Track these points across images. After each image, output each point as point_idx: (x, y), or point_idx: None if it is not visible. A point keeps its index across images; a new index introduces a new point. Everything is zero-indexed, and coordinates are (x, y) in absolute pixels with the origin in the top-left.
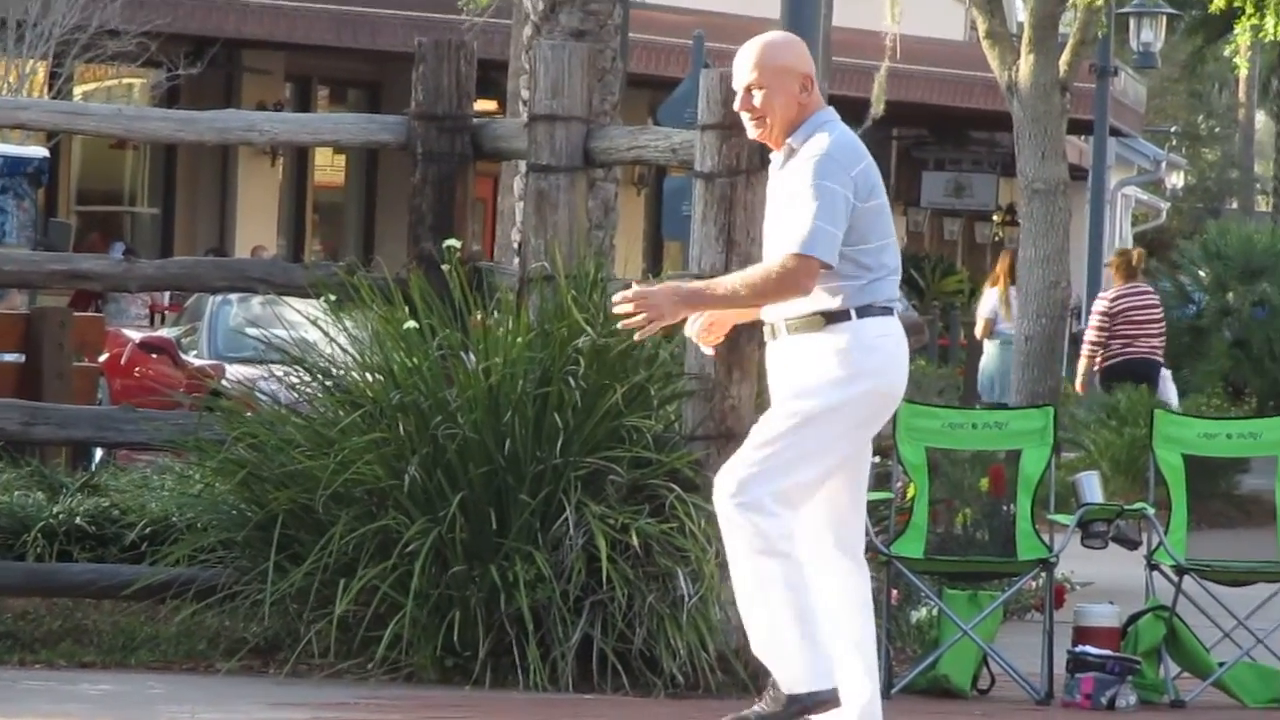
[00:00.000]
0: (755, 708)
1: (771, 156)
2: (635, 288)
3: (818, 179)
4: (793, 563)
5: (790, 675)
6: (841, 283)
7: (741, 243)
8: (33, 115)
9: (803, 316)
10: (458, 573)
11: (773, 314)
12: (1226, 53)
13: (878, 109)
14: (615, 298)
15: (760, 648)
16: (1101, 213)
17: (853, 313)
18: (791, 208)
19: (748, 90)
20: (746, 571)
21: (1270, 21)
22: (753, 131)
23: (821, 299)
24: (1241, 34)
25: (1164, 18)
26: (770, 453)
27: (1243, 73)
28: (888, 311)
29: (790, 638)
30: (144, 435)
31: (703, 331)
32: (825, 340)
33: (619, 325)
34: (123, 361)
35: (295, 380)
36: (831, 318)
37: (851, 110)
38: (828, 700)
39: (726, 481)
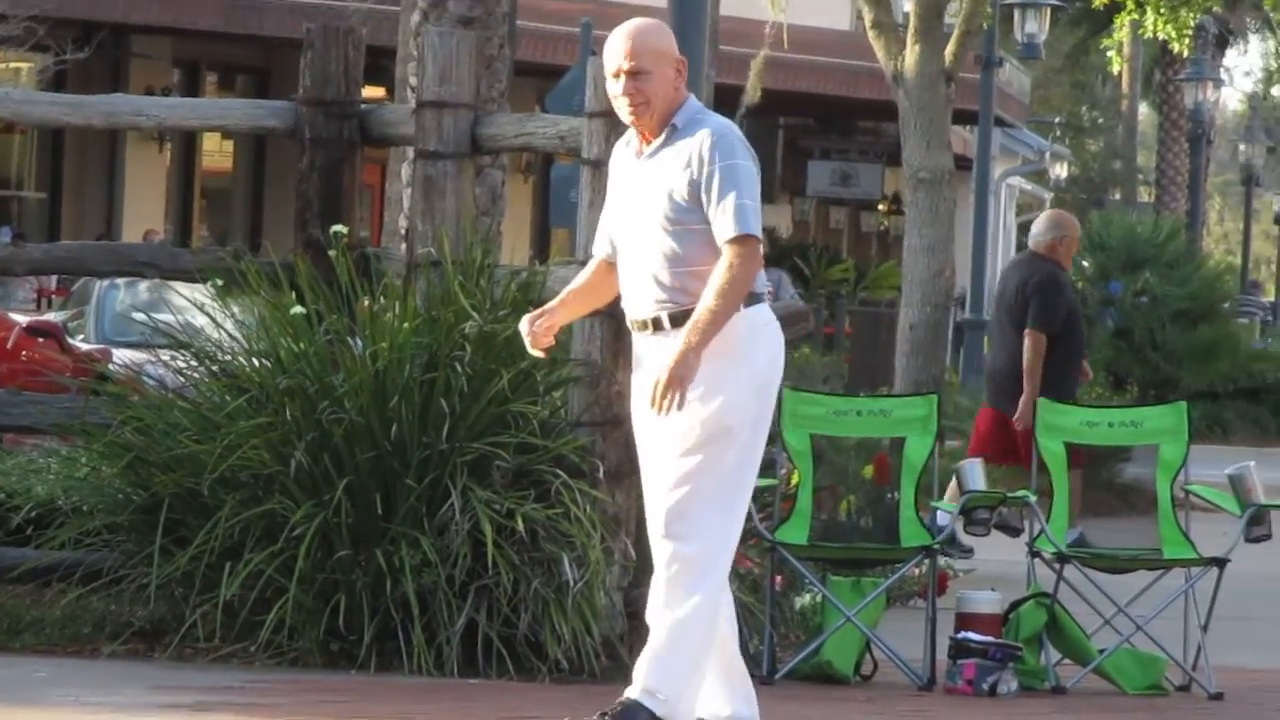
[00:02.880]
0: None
1: (628, 144)
2: (658, 384)
3: (726, 159)
4: (728, 594)
5: (685, 709)
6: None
7: None
8: None
9: (685, 308)
10: (343, 557)
11: (647, 307)
12: (1104, 47)
13: (754, 96)
14: (658, 399)
15: (678, 679)
16: (986, 203)
17: (740, 302)
18: (678, 190)
19: (631, 74)
20: (695, 603)
21: (1151, 16)
22: (628, 116)
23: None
24: (1120, 29)
25: (1048, 9)
26: (726, 491)
27: (1117, 67)
28: (763, 298)
29: (699, 676)
30: (30, 419)
31: (534, 326)
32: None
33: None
34: (9, 345)
35: (182, 365)
36: None
37: (738, 98)
38: None
39: (684, 527)
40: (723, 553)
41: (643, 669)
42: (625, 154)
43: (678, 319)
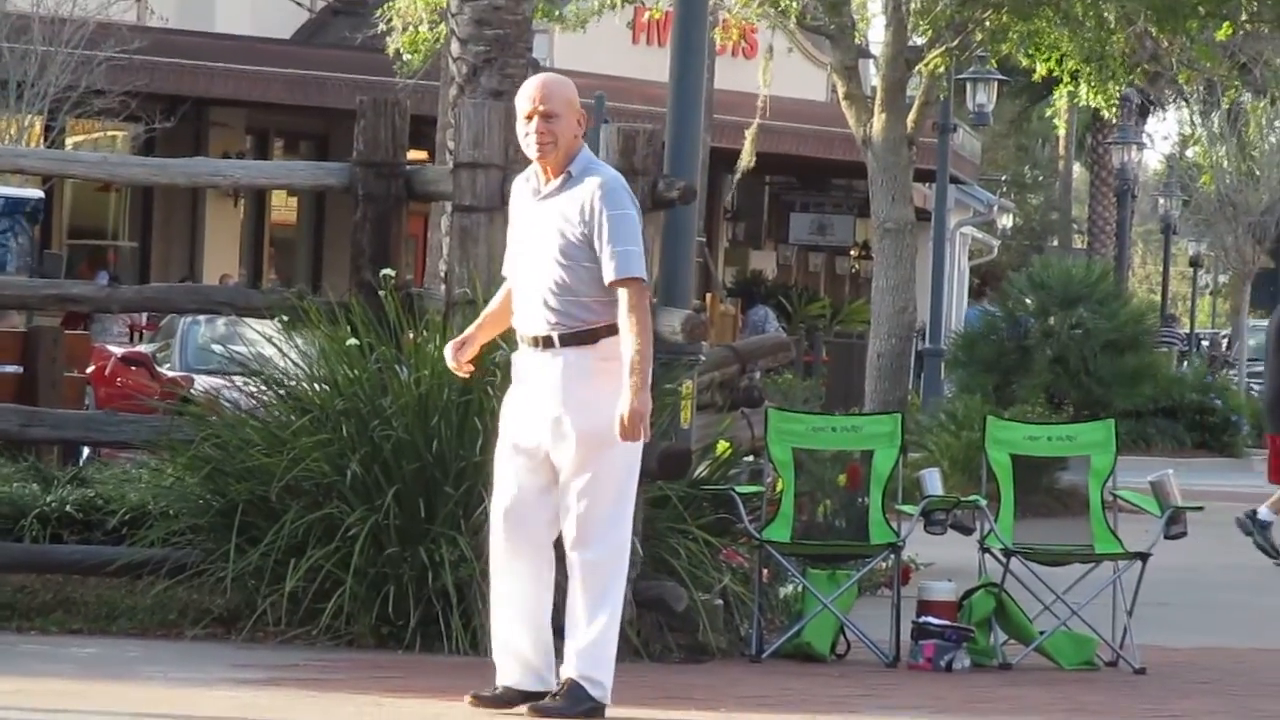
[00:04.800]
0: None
1: (528, 180)
2: (623, 420)
3: (616, 208)
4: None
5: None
6: (606, 299)
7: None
8: (30, 162)
9: (572, 330)
10: (392, 554)
11: (539, 326)
12: (1048, 114)
13: (750, 161)
14: (629, 433)
15: (605, 659)
16: (943, 249)
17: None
18: (571, 231)
19: (543, 116)
20: (616, 595)
21: (1084, 88)
22: (534, 153)
23: (594, 313)
24: (1059, 99)
25: (995, 83)
26: (620, 500)
27: (1061, 132)
28: None
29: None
30: (125, 436)
31: (457, 354)
32: (599, 354)
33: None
34: (106, 373)
35: (254, 389)
36: (604, 332)
37: (730, 160)
38: None
39: (600, 549)
40: (622, 557)
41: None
42: (525, 190)
43: (565, 339)
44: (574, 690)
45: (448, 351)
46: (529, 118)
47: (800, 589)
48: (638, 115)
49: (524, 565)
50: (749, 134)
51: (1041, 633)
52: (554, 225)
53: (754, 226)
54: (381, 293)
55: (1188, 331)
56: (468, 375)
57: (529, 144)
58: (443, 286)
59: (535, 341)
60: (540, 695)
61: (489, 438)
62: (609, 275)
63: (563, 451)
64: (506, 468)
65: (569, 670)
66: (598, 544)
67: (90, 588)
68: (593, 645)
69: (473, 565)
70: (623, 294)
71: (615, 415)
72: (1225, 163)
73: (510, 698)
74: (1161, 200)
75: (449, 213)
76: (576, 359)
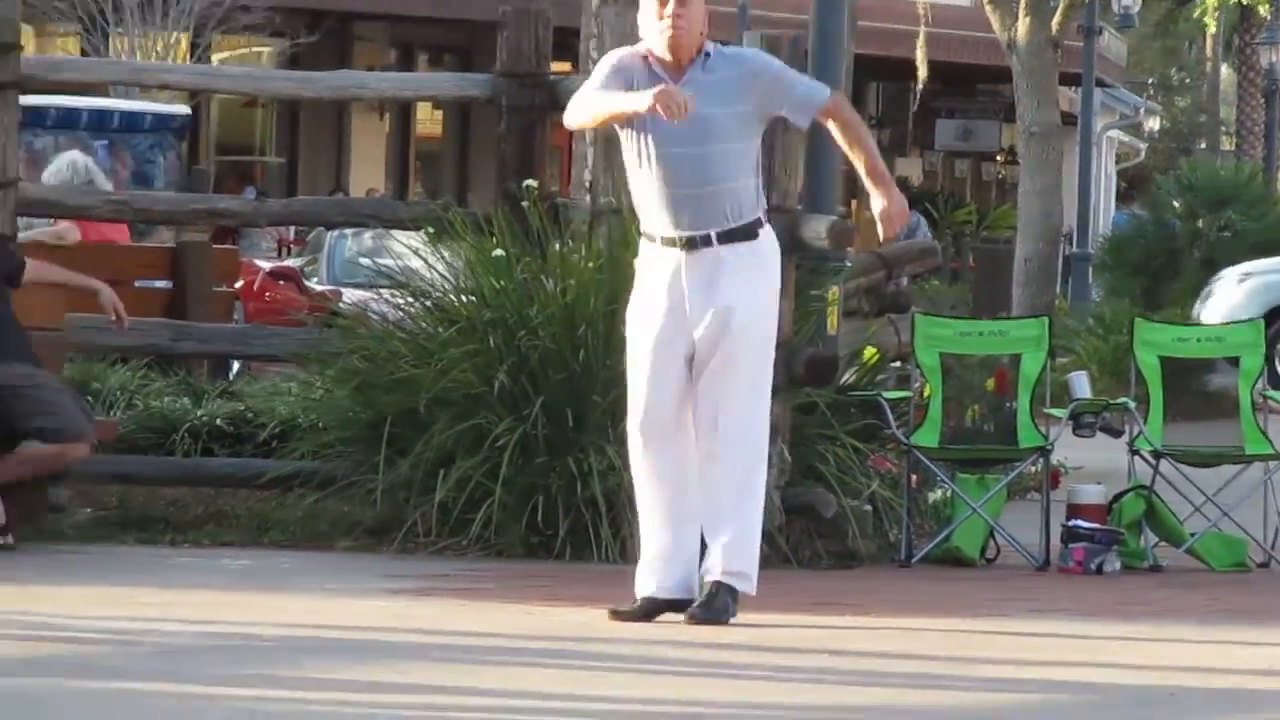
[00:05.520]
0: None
1: (650, 75)
2: (890, 218)
3: (771, 65)
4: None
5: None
6: (756, 184)
7: (780, 178)
8: (176, 77)
9: (732, 228)
10: (540, 463)
11: (695, 225)
12: (1195, 14)
13: (923, 72)
14: (893, 231)
15: (754, 552)
16: (1089, 153)
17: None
18: (727, 110)
19: (679, 1)
20: (760, 487)
21: None
22: (670, 41)
23: (749, 205)
24: None
25: None
26: (764, 392)
27: (1212, 29)
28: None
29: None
30: (273, 349)
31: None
32: (755, 249)
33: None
34: (255, 288)
35: (401, 302)
36: (759, 224)
37: (878, 67)
38: None
39: (745, 441)
40: (764, 436)
41: (715, 554)
42: (651, 73)
43: (723, 237)
44: (724, 592)
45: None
46: (664, 4)
47: (949, 494)
48: (781, 24)
49: (668, 468)
50: (919, 44)
51: (1192, 534)
52: (701, 106)
53: (899, 133)
54: (526, 204)
55: None
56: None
57: (666, 31)
58: (588, 196)
59: (688, 242)
60: (684, 602)
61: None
62: (815, 104)
63: (712, 346)
64: (648, 373)
65: (714, 570)
66: (743, 435)
67: (241, 500)
68: (742, 538)
69: (620, 474)
70: (832, 106)
71: (880, 214)
72: None
73: (651, 608)
74: None
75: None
76: (735, 257)
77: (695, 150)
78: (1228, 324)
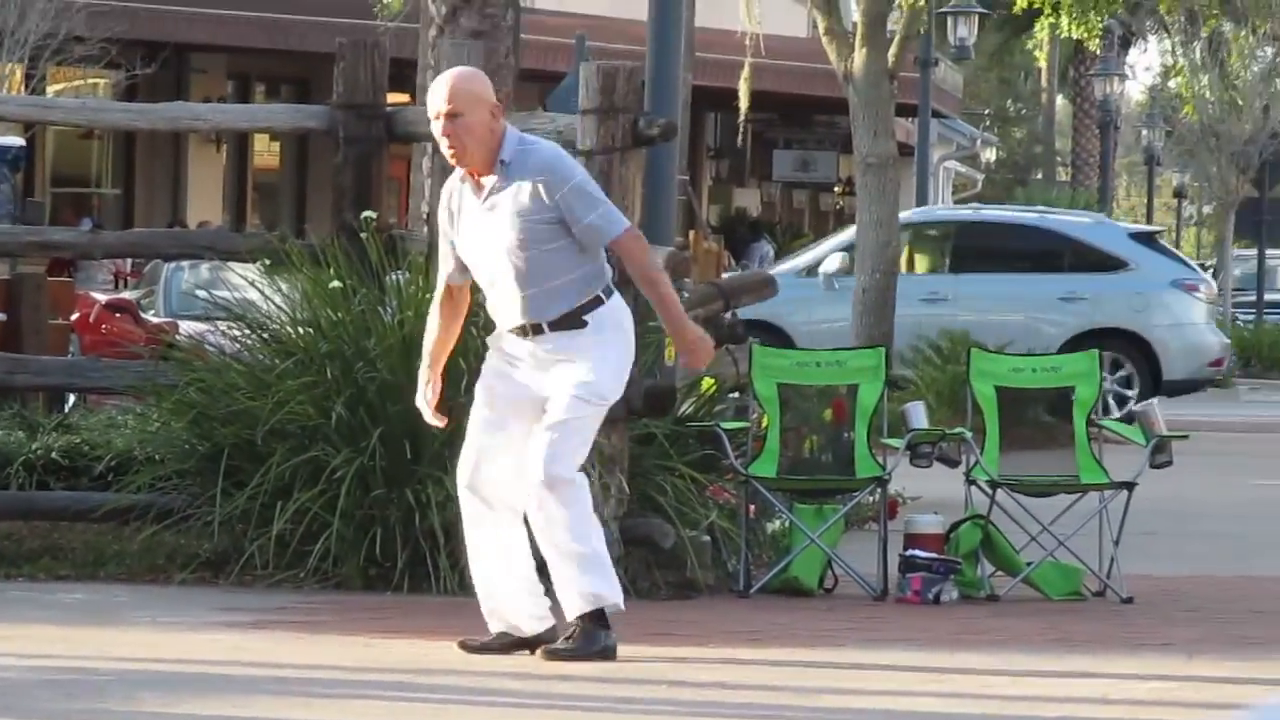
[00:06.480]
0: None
1: (463, 184)
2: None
3: (568, 180)
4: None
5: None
6: (584, 270)
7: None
8: (11, 109)
9: (561, 314)
10: (378, 495)
11: (526, 318)
12: (1029, 46)
13: (744, 104)
14: (703, 363)
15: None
16: (926, 183)
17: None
18: (536, 217)
19: (449, 116)
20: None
21: (1065, 20)
22: (450, 158)
23: (578, 293)
24: (1041, 31)
25: (976, 16)
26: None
27: (1042, 64)
28: (613, 289)
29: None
30: (109, 381)
31: (438, 409)
32: (589, 329)
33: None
34: (91, 320)
35: (238, 334)
36: (590, 307)
37: (713, 98)
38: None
39: (575, 476)
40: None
41: (574, 589)
42: (463, 191)
43: (556, 324)
44: (586, 628)
45: (423, 408)
46: (436, 118)
47: (787, 524)
48: (619, 54)
49: (500, 516)
50: (743, 76)
51: (1029, 564)
52: (512, 218)
53: (737, 164)
54: (364, 235)
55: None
56: (445, 421)
57: (442, 146)
58: (425, 228)
59: (524, 331)
60: (536, 640)
61: (473, 378)
62: (605, 238)
63: (551, 407)
64: (484, 432)
65: (573, 606)
66: (570, 472)
67: (77, 534)
68: (595, 563)
69: (459, 506)
70: (622, 247)
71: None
72: (1208, 93)
73: (506, 644)
74: (1144, 131)
75: (430, 154)
76: (569, 340)
77: (515, 260)
78: (1063, 354)
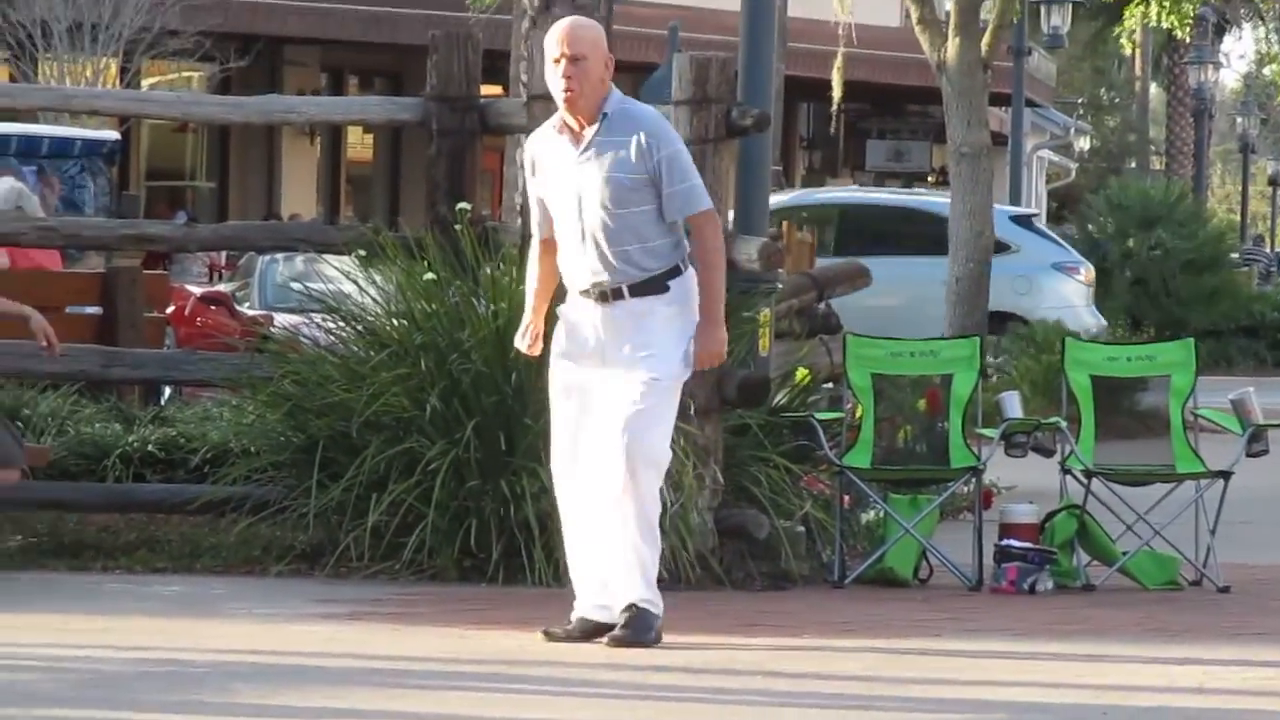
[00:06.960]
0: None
1: (558, 136)
2: (705, 357)
3: (668, 145)
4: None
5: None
6: (668, 239)
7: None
8: (106, 103)
9: (639, 280)
10: (473, 487)
11: (606, 280)
12: (1116, 34)
13: (838, 93)
14: (709, 363)
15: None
16: (1019, 173)
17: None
18: (627, 175)
19: (570, 59)
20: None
21: (1154, 9)
22: (563, 98)
23: (659, 258)
24: (1130, 19)
25: (1070, 5)
26: (669, 431)
27: (1129, 51)
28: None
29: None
30: (205, 374)
31: (536, 344)
32: (667, 300)
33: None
34: (186, 313)
35: (332, 326)
36: (670, 275)
37: (805, 89)
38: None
39: (650, 477)
40: (658, 484)
41: (628, 583)
42: (557, 144)
43: (635, 289)
44: (641, 616)
45: (520, 343)
46: (556, 61)
47: (882, 514)
48: (711, 45)
49: (595, 503)
50: (836, 66)
51: (1125, 553)
52: (604, 173)
53: (830, 155)
54: (457, 227)
55: (1276, 252)
56: (539, 350)
57: (562, 94)
58: (519, 220)
59: (601, 295)
60: (607, 627)
61: None
62: (684, 210)
63: (626, 390)
64: (563, 413)
65: (629, 595)
66: (664, 454)
67: (173, 526)
68: (646, 568)
69: (553, 497)
70: (696, 225)
71: (691, 348)
72: None
73: (585, 630)
74: (1239, 119)
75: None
76: (647, 308)
77: (605, 215)
78: (1158, 343)
